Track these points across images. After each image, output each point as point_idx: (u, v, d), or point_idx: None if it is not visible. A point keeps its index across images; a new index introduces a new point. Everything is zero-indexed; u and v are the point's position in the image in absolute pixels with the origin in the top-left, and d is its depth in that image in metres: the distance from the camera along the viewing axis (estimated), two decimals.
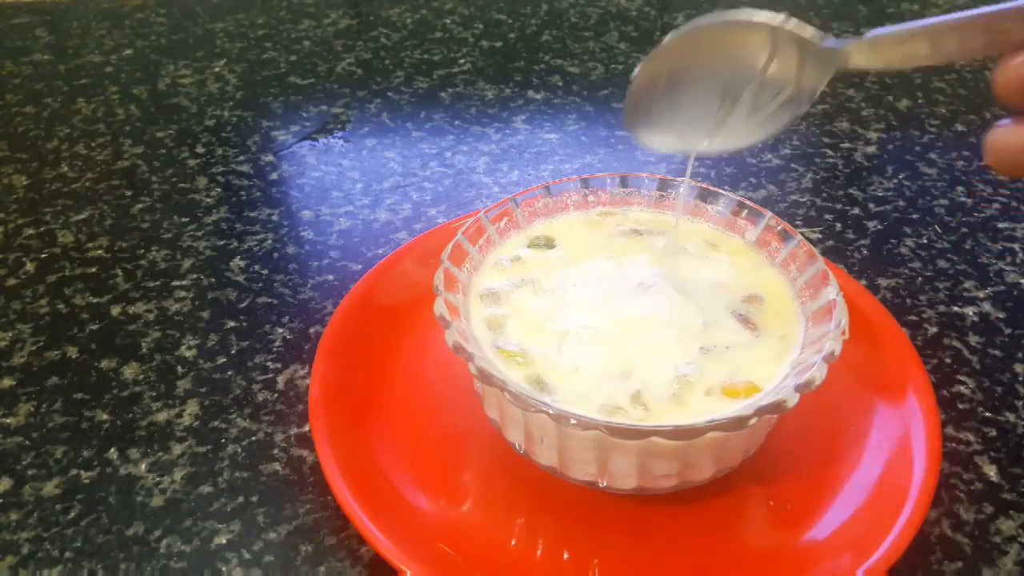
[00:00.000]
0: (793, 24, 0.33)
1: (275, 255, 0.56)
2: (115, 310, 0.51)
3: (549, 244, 0.44)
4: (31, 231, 0.59)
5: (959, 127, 0.71)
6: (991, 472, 0.41)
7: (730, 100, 0.37)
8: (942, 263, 0.55)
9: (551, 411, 0.33)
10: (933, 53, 0.28)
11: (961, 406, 0.45)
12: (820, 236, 0.58)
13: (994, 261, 0.55)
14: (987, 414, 0.44)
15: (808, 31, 0.33)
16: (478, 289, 0.41)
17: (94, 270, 0.55)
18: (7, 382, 0.47)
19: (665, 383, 0.36)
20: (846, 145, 0.68)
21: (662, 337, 0.38)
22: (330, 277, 0.54)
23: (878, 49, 0.30)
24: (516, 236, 0.44)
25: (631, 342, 0.38)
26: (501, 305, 0.40)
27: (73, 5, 0.94)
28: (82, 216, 0.60)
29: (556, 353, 0.37)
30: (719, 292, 0.41)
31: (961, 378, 0.46)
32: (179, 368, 0.47)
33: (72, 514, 0.39)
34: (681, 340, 0.38)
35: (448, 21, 0.90)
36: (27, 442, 0.43)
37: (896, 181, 0.64)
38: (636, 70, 0.37)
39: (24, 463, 0.42)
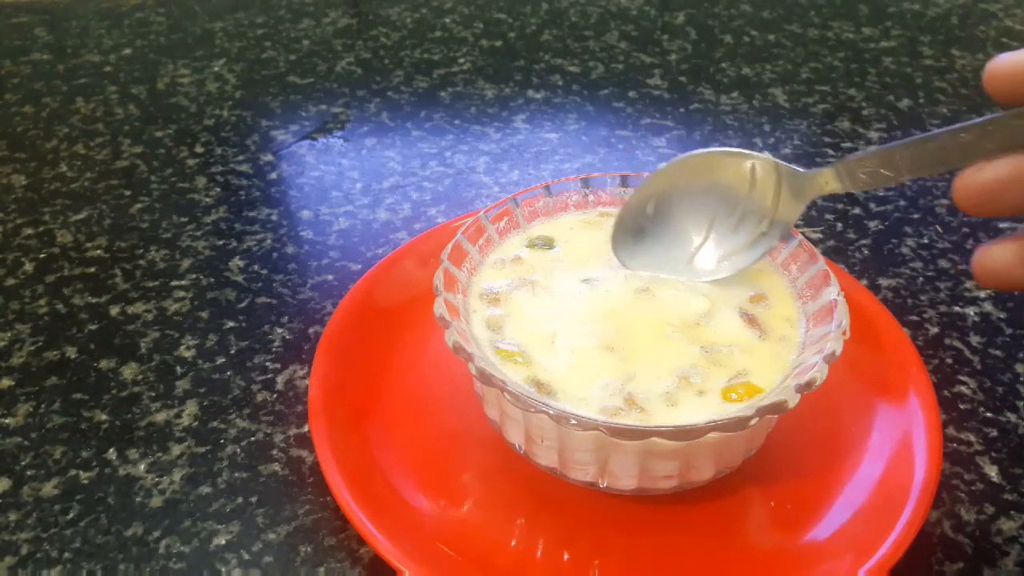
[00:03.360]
0: (770, 157, 0.37)
1: (274, 255, 0.56)
2: (114, 310, 0.51)
3: (549, 244, 0.43)
4: (30, 231, 0.59)
5: None
6: (992, 472, 0.41)
7: (712, 227, 0.40)
8: (943, 263, 0.55)
9: (551, 411, 0.32)
10: (900, 173, 0.31)
11: (962, 406, 0.45)
12: (821, 236, 0.57)
13: None
14: (988, 414, 0.44)
15: (783, 164, 0.37)
16: (478, 289, 0.41)
17: (93, 270, 0.55)
18: (6, 382, 0.46)
19: (666, 384, 0.36)
20: (847, 145, 0.68)
21: (663, 338, 0.38)
22: (329, 277, 0.54)
23: (850, 174, 0.33)
24: (516, 236, 0.44)
25: (632, 343, 0.38)
26: (501, 305, 0.40)
27: (72, 4, 0.94)
28: (81, 216, 0.60)
29: (556, 354, 0.37)
30: (720, 292, 0.40)
31: (962, 378, 0.46)
32: (178, 368, 0.47)
33: (71, 515, 0.39)
34: (682, 341, 0.38)
35: (448, 20, 0.90)
36: (26, 442, 0.43)
37: None
38: (629, 195, 0.40)
39: (23, 463, 0.42)
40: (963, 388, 0.46)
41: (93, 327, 0.50)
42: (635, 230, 0.41)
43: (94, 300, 0.52)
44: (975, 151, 0.28)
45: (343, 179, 0.64)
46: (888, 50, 0.84)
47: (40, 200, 0.62)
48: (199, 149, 0.68)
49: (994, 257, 0.29)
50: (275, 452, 0.42)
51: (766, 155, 0.37)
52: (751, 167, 0.38)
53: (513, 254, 0.43)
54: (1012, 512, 0.39)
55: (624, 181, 0.46)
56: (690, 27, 0.89)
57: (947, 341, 0.49)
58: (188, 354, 0.48)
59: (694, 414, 0.34)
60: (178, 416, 0.44)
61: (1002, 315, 0.51)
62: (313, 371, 0.42)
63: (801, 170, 0.36)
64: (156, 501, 0.40)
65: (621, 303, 0.40)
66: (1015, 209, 0.27)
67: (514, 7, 0.93)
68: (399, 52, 0.84)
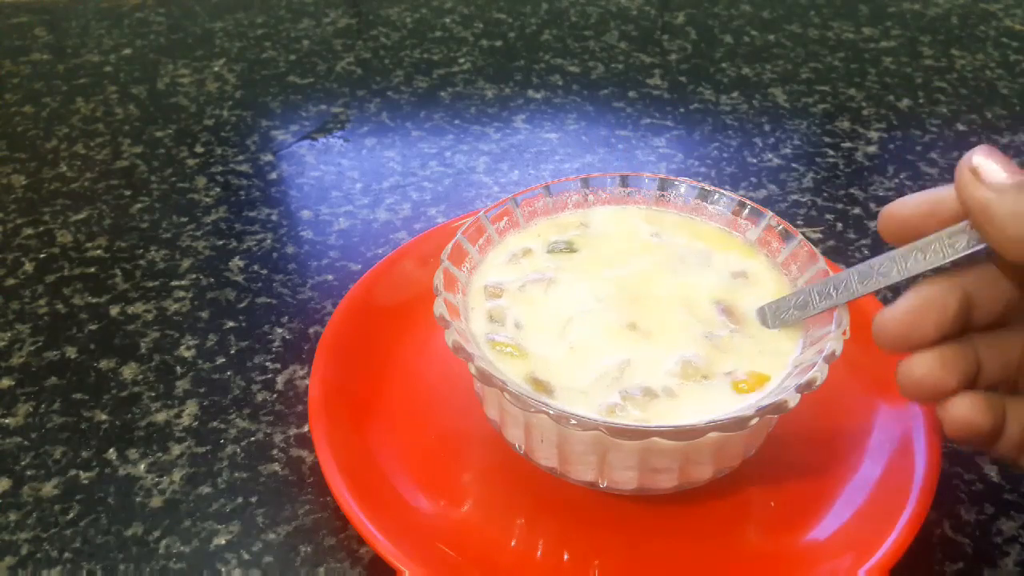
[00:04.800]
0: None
1: (274, 255, 0.56)
2: (114, 310, 0.51)
3: (557, 243, 0.43)
4: (30, 231, 0.59)
5: (960, 127, 0.71)
6: (992, 472, 0.41)
7: None
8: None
9: (551, 411, 0.32)
10: (814, 311, 0.36)
11: None
12: (821, 236, 0.57)
13: None
14: None
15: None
16: (477, 285, 0.41)
17: (93, 270, 0.55)
18: (6, 382, 0.46)
19: (667, 377, 0.36)
20: (847, 145, 0.68)
21: (664, 332, 0.38)
22: (329, 277, 0.54)
23: (773, 318, 0.38)
24: (515, 235, 0.44)
25: (633, 336, 0.38)
26: (500, 301, 0.40)
27: (72, 4, 0.94)
28: (81, 216, 0.60)
29: (554, 348, 0.37)
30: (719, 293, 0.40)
31: None
32: (178, 368, 0.47)
33: (71, 515, 0.39)
34: (685, 333, 0.38)
35: (448, 20, 0.90)
36: (26, 442, 0.43)
37: (897, 181, 0.64)
38: None
39: (23, 463, 0.42)
40: None
41: (93, 327, 0.50)
42: None
43: (94, 300, 0.52)
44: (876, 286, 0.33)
45: (343, 179, 0.64)
46: (888, 50, 0.84)
47: (40, 200, 0.62)
48: (199, 149, 0.68)
49: (918, 367, 0.30)
50: (275, 452, 0.42)
51: None
52: None
53: (514, 251, 0.43)
54: (1012, 512, 0.39)
55: (624, 181, 0.46)
56: (690, 27, 0.89)
57: None
58: (188, 354, 0.48)
59: (697, 406, 0.34)
60: (178, 416, 0.44)
61: None
62: (313, 371, 0.42)
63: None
64: (156, 501, 0.40)
65: (621, 297, 0.40)
66: (936, 333, 0.29)
67: (514, 7, 0.93)
68: (399, 52, 0.84)
